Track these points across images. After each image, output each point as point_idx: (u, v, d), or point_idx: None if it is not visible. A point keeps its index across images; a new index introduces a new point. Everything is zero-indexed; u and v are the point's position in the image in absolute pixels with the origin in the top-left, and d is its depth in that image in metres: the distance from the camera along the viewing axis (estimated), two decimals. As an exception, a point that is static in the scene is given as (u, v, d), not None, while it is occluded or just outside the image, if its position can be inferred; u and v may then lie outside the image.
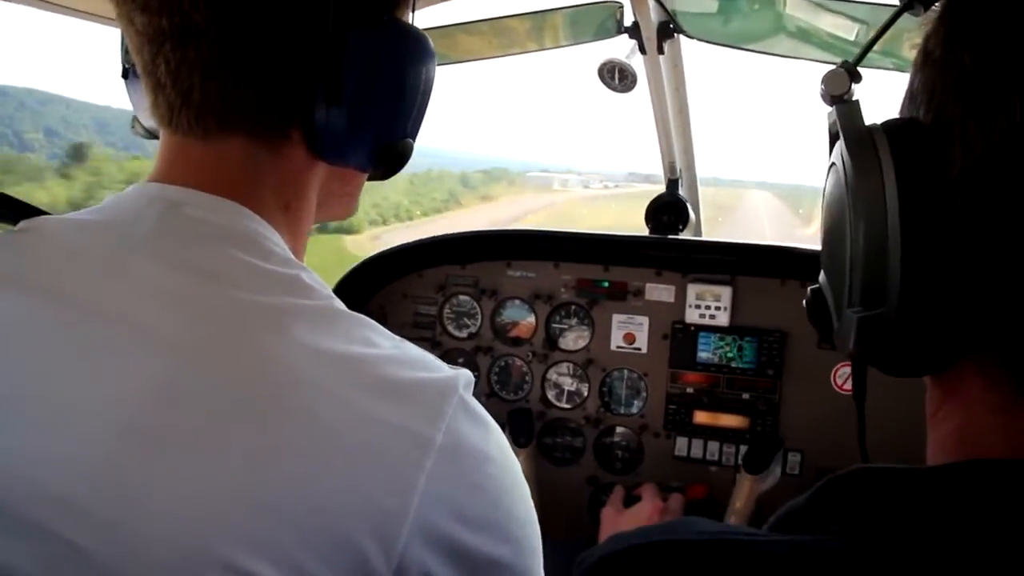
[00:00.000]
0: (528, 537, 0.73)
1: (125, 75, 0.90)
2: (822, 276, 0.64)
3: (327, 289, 0.73)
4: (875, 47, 0.74)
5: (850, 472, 0.53)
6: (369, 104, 0.75)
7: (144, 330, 0.65)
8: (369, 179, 0.88)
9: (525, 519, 0.73)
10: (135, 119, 0.94)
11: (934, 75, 0.52)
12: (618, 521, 1.67)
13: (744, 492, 1.70)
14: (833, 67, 0.70)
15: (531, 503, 0.75)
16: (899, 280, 0.50)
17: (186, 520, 0.59)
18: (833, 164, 0.59)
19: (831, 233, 0.60)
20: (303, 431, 0.62)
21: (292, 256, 0.74)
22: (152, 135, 0.86)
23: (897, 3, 0.70)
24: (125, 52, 0.88)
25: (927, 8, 0.69)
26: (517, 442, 1.85)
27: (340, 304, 0.72)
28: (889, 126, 0.54)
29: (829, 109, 0.63)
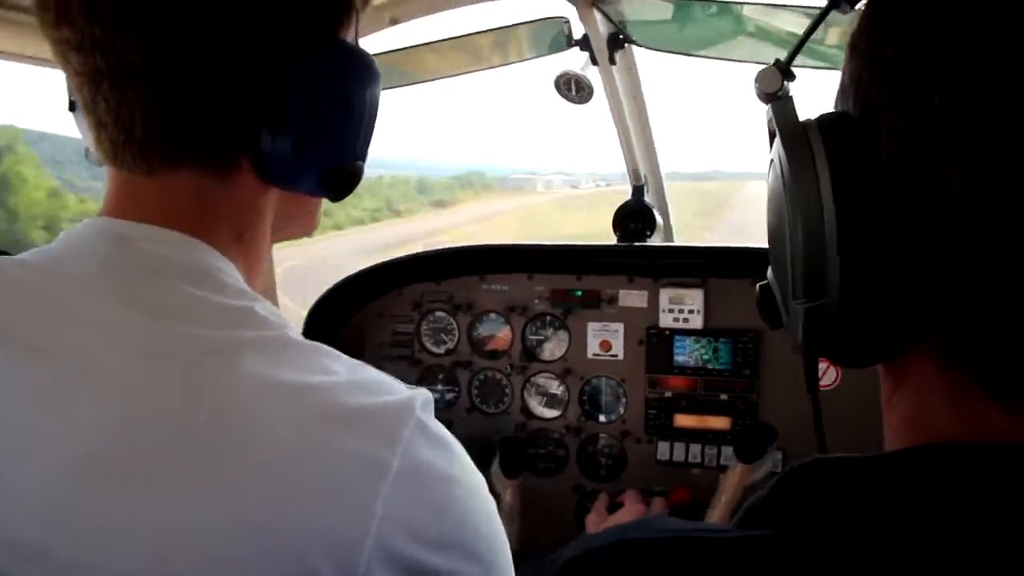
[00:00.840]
0: (496, 555, 0.73)
1: (71, 107, 0.90)
2: (769, 272, 0.65)
3: (282, 319, 0.72)
4: (812, 47, 0.75)
5: (806, 464, 0.54)
6: (315, 129, 0.74)
7: (95, 370, 0.65)
8: (325, 199, 0.87)
9: (492, 537, 0.73)
10: (87, 149, 0.94)
11: (860, 66, 0.54)
12: (601, 528, 1.68)
13: (733, 483, 1.69)
14: (765, 67, 0.72)
15: (499, 521, 0.75)
16: (838, 270, 0.51)
17: (146, 558, 0.59)
18: (772, 161, 0.60)
19: (774, 228, 0.61)
20: (259, 464, 0.62)
21: (246, 287, 0.74)
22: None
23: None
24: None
25: (853, 6, 0.71)
26: (506, 471, 1.83)
27: (295, 334, 0.71)
28: (821, 120, 0.55)
29: (766, 108, 0.65)
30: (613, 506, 1.79)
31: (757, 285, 0.66)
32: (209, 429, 0.62)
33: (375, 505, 0.63)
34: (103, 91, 0.68)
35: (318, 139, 0.75)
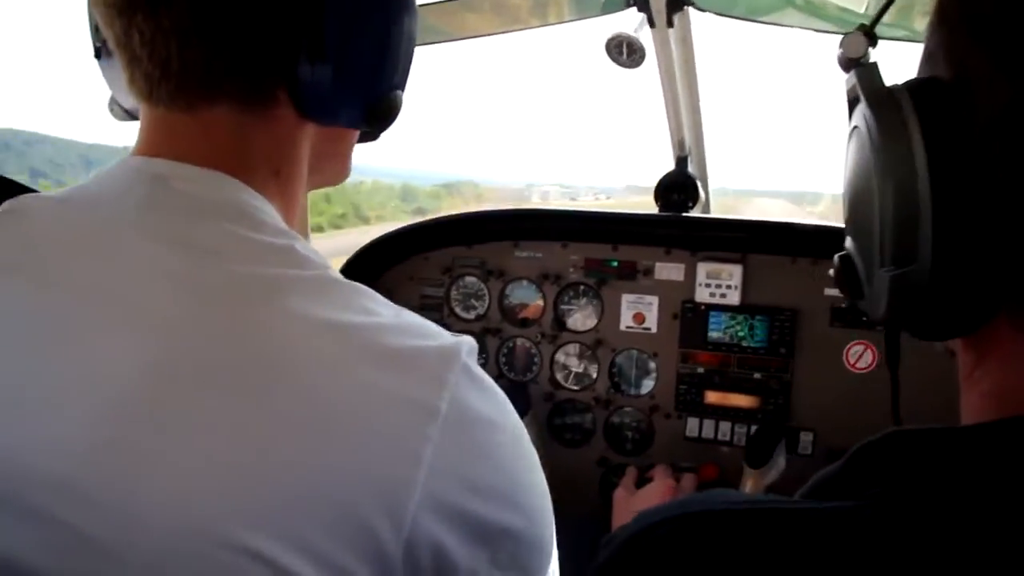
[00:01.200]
0: (540, 505, 0.72)
1: (98, 55, 0.87)
2: (849, 242, 0.63)
3: (322, 259, 0.71)
4: (889, 19, 0.73)
5: (884, 436, 0.52)
6: (354, 57, 0.73)
7: (136, 307, 0.63)
8: (360, 140, 0.86)
9: (536, 487, 0.72)
10: (113, 100, 0.91)
11: (952, 31, 0.52)
12: (631, 502, 1.66)
13: (749, 486, 1.67)
14: (851, 31, 0.69)
15: (541, 472, 0.74)
16: (931, 235, 0.50)
17: (186, 499, 0.58)
18: (855, 128, 0.59)
19: (857, 197, 0.59)
20: (302, 404, 0.60)
21: (284, 226, 0.72)
22: (132, 116, 0.84)
23: None
24: (95, 30, 0.84)
25: None
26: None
27: (336, 274, 0.70)
28: (910, 84, 0.54)
29: (847, 76, 0.62)
30: (642, 481, 1.77)
31: (836, 256, 0.64)
32: (251, 367, 0.61)
33: (425, 449, 0.62)
34: (137, 23, 0.66)
35: (356, 68, 0.73)
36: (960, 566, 0.44)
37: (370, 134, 0.84)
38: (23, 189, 0.82)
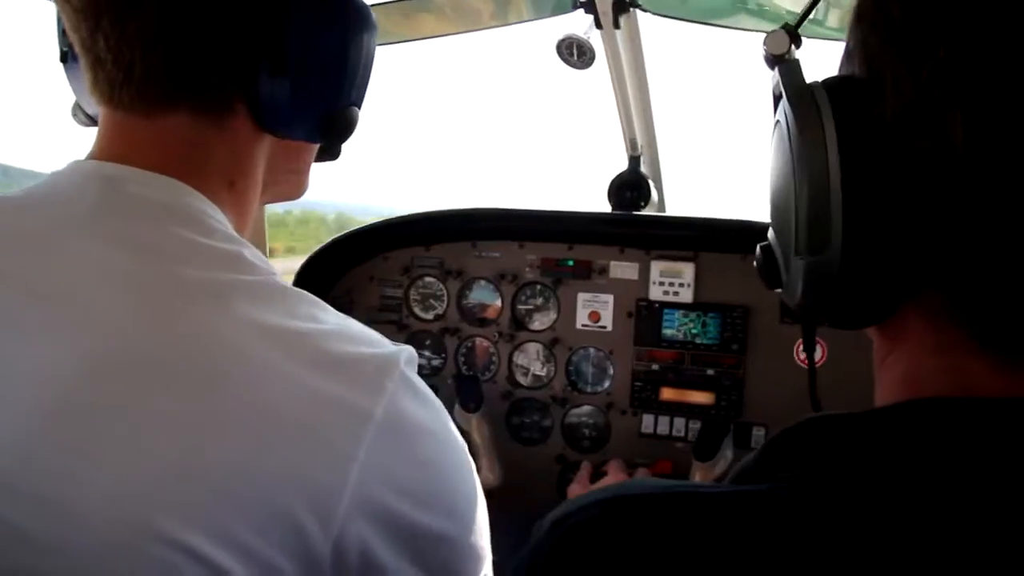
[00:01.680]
0: (473, 513, 0.73)
1: (64, 59, 0.88)
2: (770, 233, 0.66)
3: (270, 266, 0.72)
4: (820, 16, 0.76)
5: (799, 423, 0.55)
6: (313, 72, 0.74)
7: (80, 306, 0.64)
8: (319, 158, 0.87)
9: (470, 496, 0.73)
10: (76, 106, 0.92)
11: (866, 30, 0.55)
12: None
13: (697, 479, 1.70)
14: (774, 29, 0.71)
15: (476, 480, 0.75)
16: (841, 224, 0.53)
17: (121, 495, 0.58)
18: (777, 122, 0.61)
19: (777, 189, 0.62)
20: (241, 404, 0.61)
21: (234, 233, 0.73)
22: (94, 122, 0.84)
23: None
24: (62, 34, 0.85)
25: None
26: (466, 407, 1.83)
27: (282, 280, 0.71)
28: (826, 82, 0.56)
29: (772, 72, 0.64)
30: (597, 476, 1.79)
31: (758, 245, 0.66)
32: (191, 367, 0.62)
33: (356, 452, 0.63)
34: (103, 27, 0.68)
35: (314, 82, 0.75)
36: (864, 542, 0.46)
37: (329, 152, 0.85)
38: None
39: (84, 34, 0.69)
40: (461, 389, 1.86)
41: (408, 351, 0.71)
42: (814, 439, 0.53)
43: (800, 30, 0.72)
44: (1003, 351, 0.50)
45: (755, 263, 0.68)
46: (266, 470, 0.60)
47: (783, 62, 0.62)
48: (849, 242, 0.53)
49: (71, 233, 0.67)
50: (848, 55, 0.58)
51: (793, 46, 0.71)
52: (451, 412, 0.75)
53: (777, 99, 0.62)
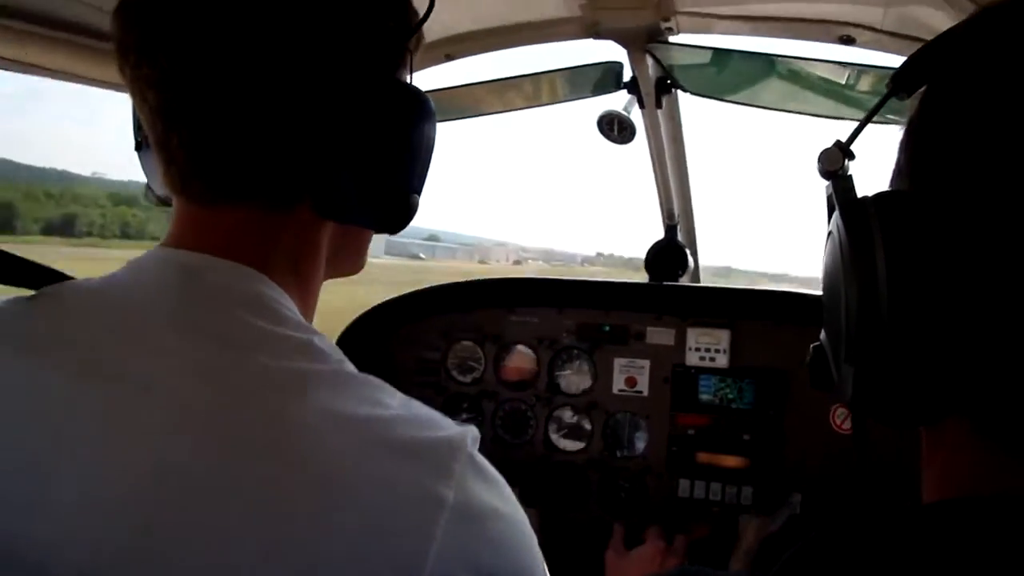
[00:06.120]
0: None
1: (138, 147, 0.92)
2: (823, 334, 0.68)
3: (338, 353, 0.74)
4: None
5: (822, 535, 0.56)
6: (374, 167, 0.77)
7: (170, 398, 0.66)
8: (377, 231, 0.89)
9: (535, 569, 0.75)
10: (148, 187, 0.96)
11: (918, 150, 0.58)
12: (622, 564, 1.69)
13: (751, 533, 1.72)
14: (829, 147, 0.75)
15: (540, 554, 0.77)
16: (888, 339, 0.54)
17: None
18: (830, 233, 0.63)
19: (829, 295, 0.64)
20: (325, 496, 0.63)
21: (303, 320, 0.76)
22: (165, 203, 0.88)
23: None
24: (137, 126, 0.90)
25: (911, 94, 0.74)
26: (525, 501, 1.85)
27: (351, 367, 0.74)
28: (879, 197, 0.58)
29: (825, 185, 0.68)
30: (634, 540, 1.80)
31: (811, 346, 0.69)
32: (275, 457, 0.64)
33: (433, 538, 0.64)
34: (177, 129, 0.71)
35: (376, 176, 0.78)
36: None
37: (387, 230, 0.87)
38: (61, 277, 0.86)
39: (159, 132, 0.73)
40: (523, 482, 1.89)
41: (472, 432, 0.72)
42: (850, 541, 0.55)
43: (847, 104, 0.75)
44: None
45: (807, 361, 0.70)
46: (346, 558, 0.62)
47: (836, 177, 0.64)
48: (893, 359, 0.55)
49: (156, 323, 0.70)
50: (899, 170, 0.60)
51: (847, 160, 0.74)
52: None
53: (830, 209, 0.64)
